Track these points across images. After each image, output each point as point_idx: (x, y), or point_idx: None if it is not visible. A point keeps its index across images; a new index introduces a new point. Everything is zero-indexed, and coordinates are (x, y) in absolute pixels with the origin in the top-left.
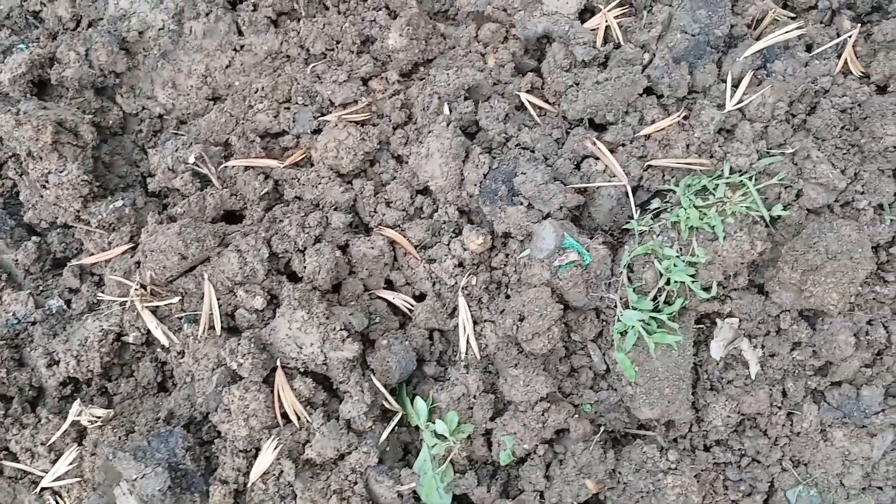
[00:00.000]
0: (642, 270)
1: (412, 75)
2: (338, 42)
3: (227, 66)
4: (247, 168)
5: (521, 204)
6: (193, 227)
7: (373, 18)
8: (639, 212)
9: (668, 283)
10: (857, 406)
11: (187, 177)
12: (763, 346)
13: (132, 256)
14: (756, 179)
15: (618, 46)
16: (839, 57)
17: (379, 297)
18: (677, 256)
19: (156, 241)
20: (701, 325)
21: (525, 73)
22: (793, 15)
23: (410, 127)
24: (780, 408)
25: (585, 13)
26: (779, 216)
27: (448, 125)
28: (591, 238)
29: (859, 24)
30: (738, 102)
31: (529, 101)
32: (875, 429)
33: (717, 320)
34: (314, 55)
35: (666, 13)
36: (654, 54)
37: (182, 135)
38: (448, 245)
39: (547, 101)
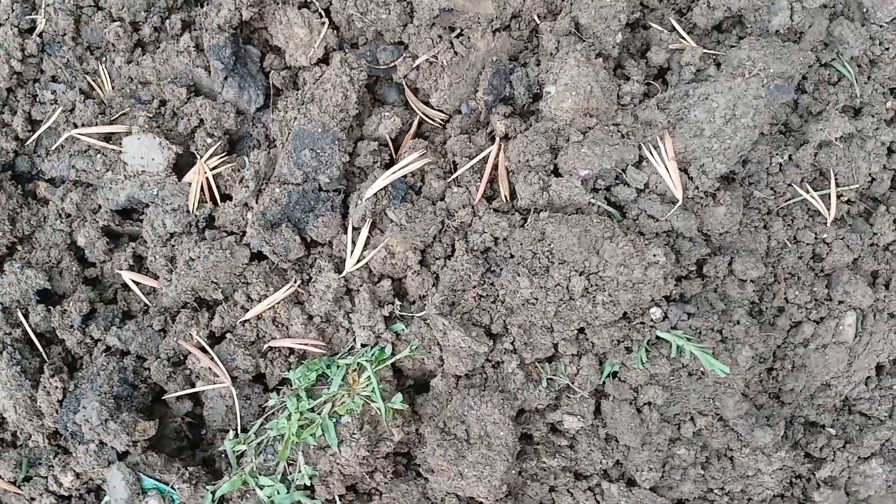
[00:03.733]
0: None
1: (9, 258)
2: None
3: None
4: None
5: (93, 442)
6: None
7: None
8: (256, 415)
9: None
10: None
11: None
12: None
13: None
14: (394, 349)
15: (219, 204)
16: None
17: None
18: (281, 481)
19: None
20: None
21: (125, 245)
22: (444, 118)
23: None
24: None
25: (184, 162)
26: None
27: (3, 350)
28: (185, 468)
29: (518, 120)
30: (359, 260)
31: (134, 281)
32: None
33: None
34: None
35: (263, 160)
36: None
37: None
38: (46, 479)
39: (156, 277)
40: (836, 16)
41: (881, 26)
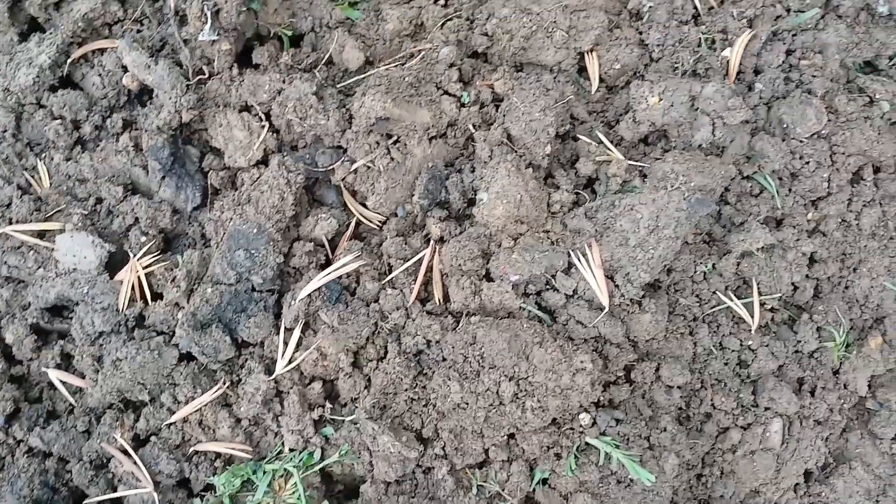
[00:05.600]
0: None
1: None
2: None
3: None
4: None
5: None
6: None
7: None
8: None
9: None
10: None
11: None
12: None
13: None
14: (323, 454)
15: (149, 303)
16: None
17: None
18: None
19: None
20: None
21: (54, 343)
22: (381, 220)
23: None
24: None
25: (117, 260)
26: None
27: None
28: None
29: (453, 224)
30: (290, 362)
31: (61, 380)
32: None
33: None
34: None
35: (196, 260)
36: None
37: None
38: None
39: (83, 377)
40: (758, 131)
41: (801, 141)
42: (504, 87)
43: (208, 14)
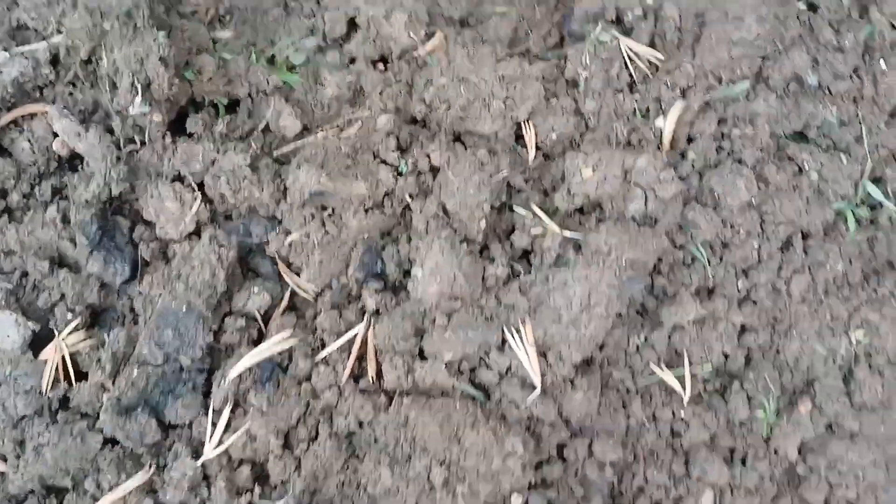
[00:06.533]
0: None
1: None
2: None
3: None
4: None
5: None
6: None
7: None
8: None
9: None
10: None
11: None
12: None
13: None
14: None
15: (73, 385)
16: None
17: None
18: None
19: None
20: None
21: None
22: (317, 291)
23: None
24: None
25: (44, 335)
26: None
27: None
28: None
29: (389, 295)
30: (219, 444)
31: None
32: None
33: None
34: None
35: (122, 340)
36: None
37: None
38: None
39: (5, 460)
40: (690, 200)
41: (732, 211)
42: (440, 159)
43: (139, 87)
